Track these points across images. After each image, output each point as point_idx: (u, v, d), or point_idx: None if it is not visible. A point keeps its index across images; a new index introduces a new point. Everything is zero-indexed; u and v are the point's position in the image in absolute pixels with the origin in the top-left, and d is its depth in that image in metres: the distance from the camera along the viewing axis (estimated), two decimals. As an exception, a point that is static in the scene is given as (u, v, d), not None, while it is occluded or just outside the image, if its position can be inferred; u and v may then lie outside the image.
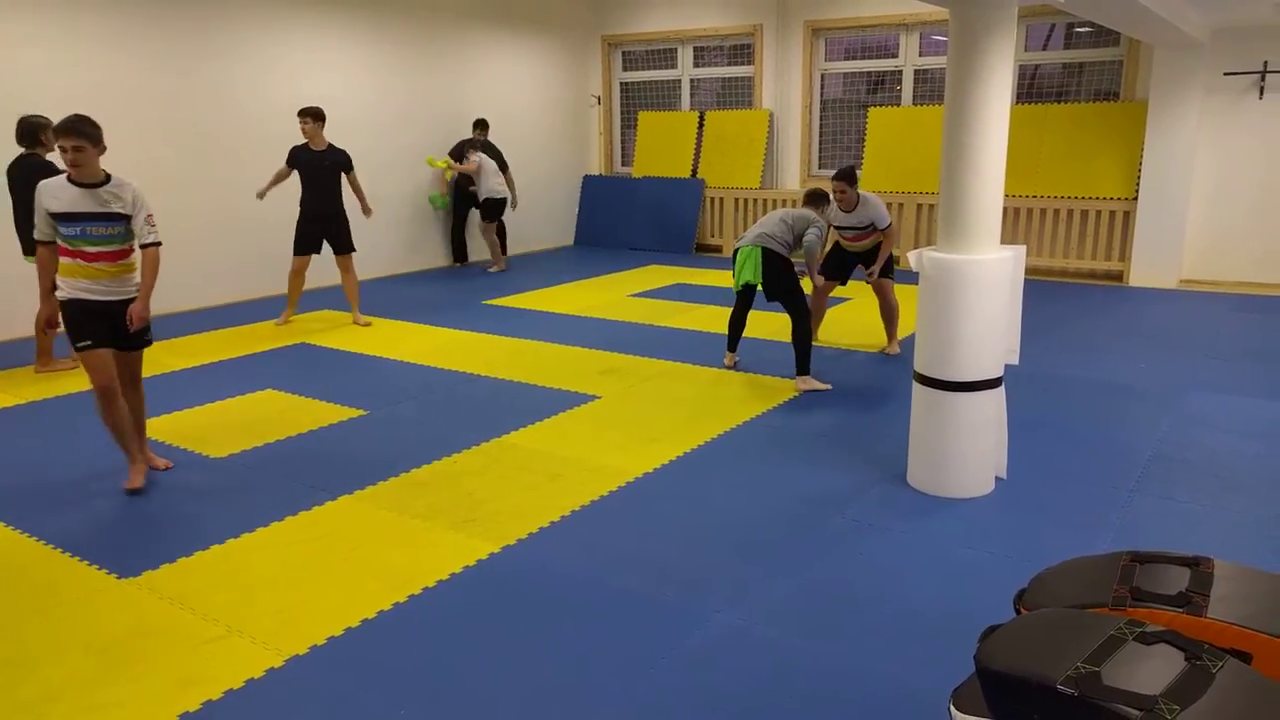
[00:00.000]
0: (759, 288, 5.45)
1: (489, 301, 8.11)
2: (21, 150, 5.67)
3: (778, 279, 5.35)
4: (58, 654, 2.78)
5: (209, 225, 7.79)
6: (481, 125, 9.68)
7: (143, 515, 3.74)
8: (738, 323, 5.82)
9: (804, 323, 5.33)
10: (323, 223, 7.07)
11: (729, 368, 5.81)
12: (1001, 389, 3.86)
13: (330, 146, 7.02)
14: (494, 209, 9.40)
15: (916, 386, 3.92)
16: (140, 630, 2.89)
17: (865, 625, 2.89)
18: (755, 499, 3.86)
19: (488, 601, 3.06)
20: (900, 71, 9.94)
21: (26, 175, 5.37)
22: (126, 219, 3.76)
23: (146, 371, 5.79)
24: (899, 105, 9.97)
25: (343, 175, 7.07)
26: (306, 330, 7.04)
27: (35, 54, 6.71)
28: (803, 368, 5.35)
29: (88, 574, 3.26)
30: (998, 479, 3.98)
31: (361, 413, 5.03)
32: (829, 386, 5.38)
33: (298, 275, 7.15)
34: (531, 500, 3.85)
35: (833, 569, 3.26)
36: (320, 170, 6.95)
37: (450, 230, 10.06)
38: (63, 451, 4.51)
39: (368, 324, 7.17)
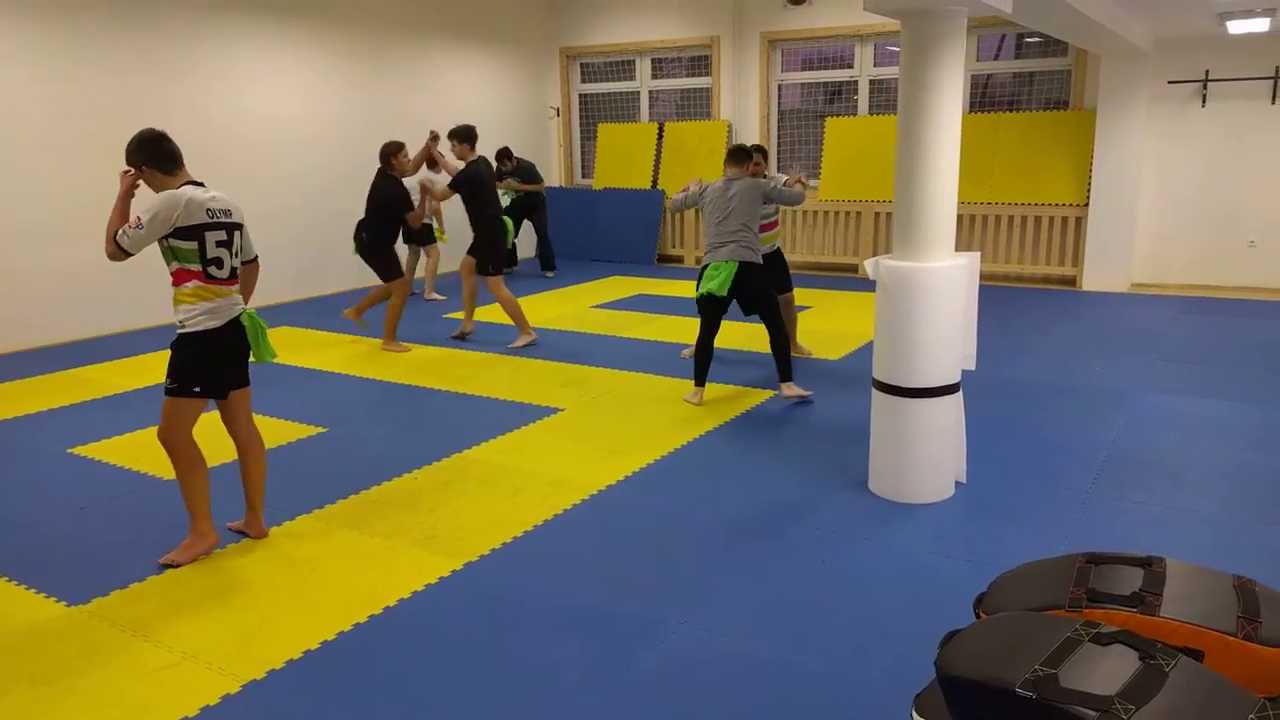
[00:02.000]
0: (723, 298, 5.16)
1: (451, 315, 8.05)
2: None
3: (757, 290, 5.17)
4: (4, 686, 2.69)
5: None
6: (503, 155, 9.71)
7: (93, 540, 3.65)
8: (706, 350, 5.28)
9: (782, 331, 5.26)
10: None
11: (695, 404, 5.27)
12: (959, 394, 3.90)
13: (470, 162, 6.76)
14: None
15: (875, 394, 3.95)
16: (91, 659, 2.82)
17: (828, 633, 2.90)
18: (718, 509, 3.86)
19: (450, 619, 3.02)
20: (856, 82, 10.06)
21: (374, 192, 6.81)
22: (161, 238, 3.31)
23: (97, 392, 5.74)
24: (856, 115, 10.09)
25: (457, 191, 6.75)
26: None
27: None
28: (786, 374, 5.27)
29: (35, 601, 3.17)
30: (957, 484, 4.02)
31: (321, 430, 4.96)
32: (810, 394, 5.29)
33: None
34: (494, 515, 3.82)
35: (795, 577, 3.27)
36: None
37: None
38: (10, 475, 4.39)
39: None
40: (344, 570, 3.37)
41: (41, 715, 2.55)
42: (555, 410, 5.24)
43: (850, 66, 10.04)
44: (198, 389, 3.38)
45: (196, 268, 3.32)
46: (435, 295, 8.78)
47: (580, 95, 11.79)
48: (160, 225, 3.24)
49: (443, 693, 2.62)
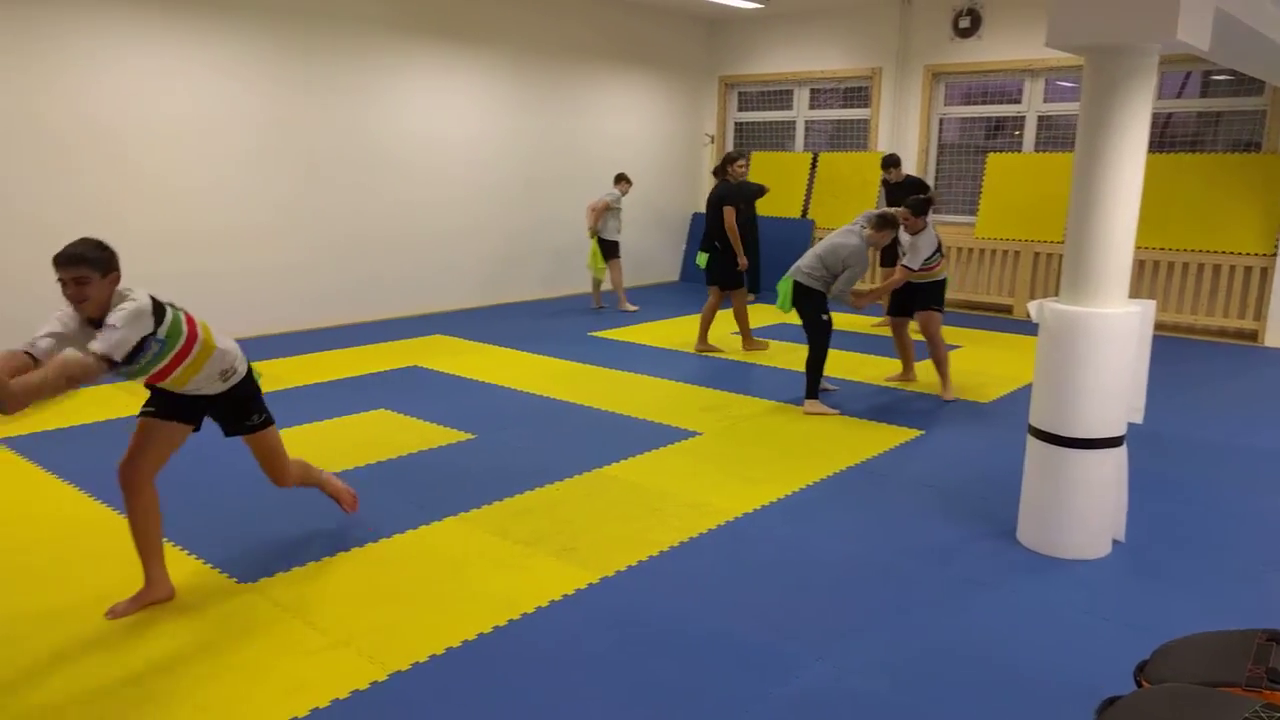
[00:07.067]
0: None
1: (595, 334, 8.23)
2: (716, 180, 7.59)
3: (803, 308, 5.80)
4: (174, 652, 2.92)
5: (327, 251, 8.13)
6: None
7: (264, 525, 3.92)
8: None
9: (816, 352, 5.73)
10: None
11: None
12: (1123, 448, 3.70)
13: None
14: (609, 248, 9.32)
15: (1031, 441, 3.78)
16: (253, 635, 3.02)
17: (965, 685, 2.79)
18: (856, 546, 3.78)
19: (584, 632, 3.08)
20: (1023, 117, 9.71)
21: (713, 198, 7.52)
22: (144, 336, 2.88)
23: (271, 385, 6.14)
24: (1020, 151, 9.73)
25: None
26: (418, 354, 7.28)
27: (173, 82, 7.21)
28: (810, 393, 5.77)
29: (208, 574, 3.43)
30: (1115, 542, 3.79)
31: (470, 436, 5.16)
32: (836, 412, 5.68)
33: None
34: (630, 533, 3.87)
35: (934, 624, 3.16)
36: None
37: None
38: (197, 454, 4.75)
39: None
40: (486, 573, 3.49)
41: (205, 682, 2.75)
42: (694, 434, 5.26)
43: (1018, 101, 9.70)
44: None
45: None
46: (609, 305, 9.00)
47: (736, 123, 11.86)
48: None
49: (568, 706, 2.67)
